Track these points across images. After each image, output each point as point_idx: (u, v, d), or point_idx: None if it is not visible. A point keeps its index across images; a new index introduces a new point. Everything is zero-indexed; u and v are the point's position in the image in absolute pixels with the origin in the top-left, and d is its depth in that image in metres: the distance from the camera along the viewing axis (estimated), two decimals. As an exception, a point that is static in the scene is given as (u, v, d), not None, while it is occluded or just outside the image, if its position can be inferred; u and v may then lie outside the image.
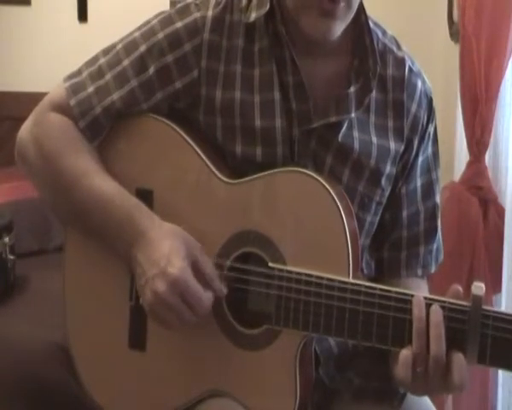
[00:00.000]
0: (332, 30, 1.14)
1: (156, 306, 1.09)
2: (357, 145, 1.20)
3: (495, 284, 2.33)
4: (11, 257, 2.24)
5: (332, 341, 1.24)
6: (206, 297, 1.10)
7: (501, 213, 2.34)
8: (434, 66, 2.96)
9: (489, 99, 2.29)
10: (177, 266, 1.08)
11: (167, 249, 1.10)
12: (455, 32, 2.75)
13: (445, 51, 2.98)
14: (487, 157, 2.39)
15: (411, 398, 1.25)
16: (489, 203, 2.39)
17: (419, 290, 1.20)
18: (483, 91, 2.30)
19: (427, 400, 1.29)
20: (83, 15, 3.30)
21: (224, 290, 1.14)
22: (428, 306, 1.04)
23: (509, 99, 2.36)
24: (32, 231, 2.63)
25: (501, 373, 2.35)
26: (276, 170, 1.16)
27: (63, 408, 1.90)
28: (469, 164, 2.41)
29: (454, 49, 2.66)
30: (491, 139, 2.37)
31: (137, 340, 1.22)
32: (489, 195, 2.39)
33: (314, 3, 1.12)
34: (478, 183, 2.38)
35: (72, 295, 1.27)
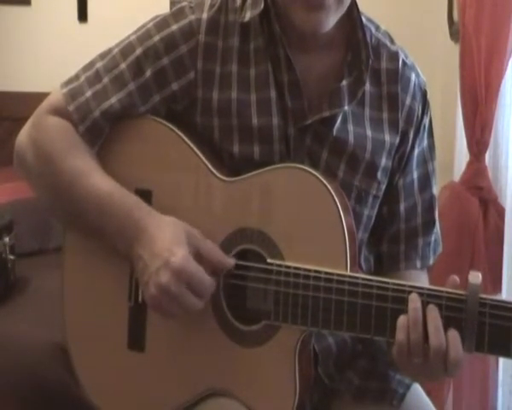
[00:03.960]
0: (322, 22, 1.14)
1: (160, 297, 1.09)
2: (351, 139, 1.21)
3: (495, 284, 2.33)
4: (11, 257, 2.24)
5: (331, 339, 1.24)
6: (210, 280, 1.11)
7: (501, 213, 2.34)
8: (434, 66, 2.96)
9: (489, 99, 2.29)
10: (180, 255, 1.08)
11: (168, 241, 1.11)
12: (455, 32, 2.75)
13: (445, 51, 2.98)
14: (487, 157, 2.39)
15: (411, 398, 1.26)
16: (489, 203, 2.39)
17: (419, 282, 1.20)
18: (483, 91, 2.30)
19: (427, 400, 1.29)
20: (83, 15, 3.31)
21: (232, 261, 1.14)
22: (426, 303, 1.05)
23: (509, 99, 2.36)
24: (32, 231, 2.63)
25: (501, 373, 2.36)
26: (272, 166, 1.16)
27: (63, 408, 1.90)
28: (469, 164, 2.41)
29: (454, 49, 2.66)
30: (491, 139, 2.37)
31: (136, 340, 1.22)
32: (489, 195, 2.39)
33: None
34: (478, 183, 2.38)
35: (70, 297, 1.28)
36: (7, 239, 2.22)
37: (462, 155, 2.55)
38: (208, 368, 1.18)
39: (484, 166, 2.39)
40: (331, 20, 1.15)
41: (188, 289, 1.09)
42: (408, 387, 1.26)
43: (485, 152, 2.37)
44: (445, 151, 2.75)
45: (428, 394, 1.32)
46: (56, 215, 1.31)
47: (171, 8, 1.26)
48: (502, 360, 2.33)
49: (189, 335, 1.18)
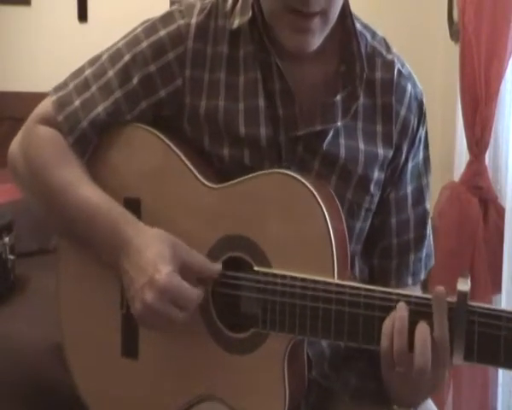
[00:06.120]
0: (308, 44, 1.12)
1: (146, 315, 1.09)
2: (343, 152, 1.18)
3: (495, 284, 2.33)
4: (11, 257, 2.24)
5: (324, 343, 1.23)
6: (196, 293, 1.10)
7: (501, 213, 2.34)
8: (434, 66, 2.97)
9: (489, 99, 2.29)
10: (164, 272, 1.07)
11: (153, 256, 1.09)
12: (455, 32, 2.75)
13: (445, 51, 2.98)
14: (487, 157, 2.39)
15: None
16: (489, 203, 2.39)
17: None
18: (483, 91, 2.30)
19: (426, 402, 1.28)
20: (83, 15, 3.30)
21: (218, 267, 1.13)
22: (414, 312, 1.02)
23: (509, 99, 2.37)
24: (32, 231, 2.62)
25: (501, 374, 2.36)
26: (258, 173, 1.14)
27: (63, 408, 1.90)
28: (469, 164, 2.41)
29: (454, 49, 2.66)
30: (491, 139, 2.37)
31: (130, 348, 1.22)
32: (489, 195, 2.39)
33: (288, 21, 1.11)
34: (478, 183, 2.38)
35: (65, 305, 1.28)
36: (7, 239, 2.22)
37: (462, 155, 2.55)
38: (199, 375, 1.17)
39: (484, 166, 2.39)
40: (318, 39, 1.13)
41: (172, 304, 1.08)
42: (406, 389, 1.25)
43: (485, 152, 2.37)
44: (445, 151, 2.75)
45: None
46: (49, 223, 1.31)
47: (170, 7, 1.25)
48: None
49: (180, 343, 1.18)
